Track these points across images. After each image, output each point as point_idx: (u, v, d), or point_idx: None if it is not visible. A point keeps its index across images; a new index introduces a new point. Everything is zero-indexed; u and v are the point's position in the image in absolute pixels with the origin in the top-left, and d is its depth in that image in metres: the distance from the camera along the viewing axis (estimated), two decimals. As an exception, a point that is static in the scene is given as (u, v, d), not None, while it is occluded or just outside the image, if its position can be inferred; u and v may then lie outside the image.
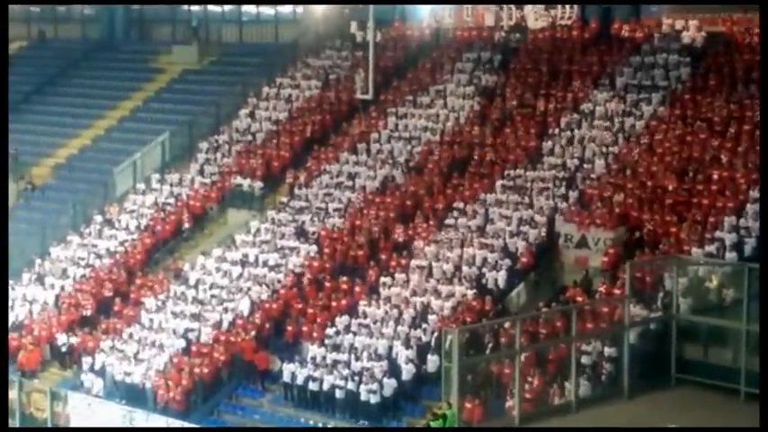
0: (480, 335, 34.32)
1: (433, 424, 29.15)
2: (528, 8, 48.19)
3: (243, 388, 39.32)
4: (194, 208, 47.58)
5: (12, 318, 44.16)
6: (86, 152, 55.72)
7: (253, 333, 39.21)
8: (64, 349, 42.61)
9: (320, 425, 36.36)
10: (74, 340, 42.38)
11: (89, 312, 43.45)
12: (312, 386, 36.90)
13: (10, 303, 44.80)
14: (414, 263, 39.56)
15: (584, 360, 33.09)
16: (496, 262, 38.22)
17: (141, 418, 38.15)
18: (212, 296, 41.66)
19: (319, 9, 53.54)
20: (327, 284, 40.27)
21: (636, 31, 46.82)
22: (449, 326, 34.22)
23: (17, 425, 40.85)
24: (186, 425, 37.26)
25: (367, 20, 45.94)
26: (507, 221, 39.76)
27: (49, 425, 40.22)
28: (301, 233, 43.31)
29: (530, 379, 32.83)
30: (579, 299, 35.62)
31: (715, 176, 38.30)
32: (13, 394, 40.90)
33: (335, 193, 44.64)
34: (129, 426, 38.25)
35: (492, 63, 48.26)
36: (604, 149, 41.55)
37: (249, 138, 50.35)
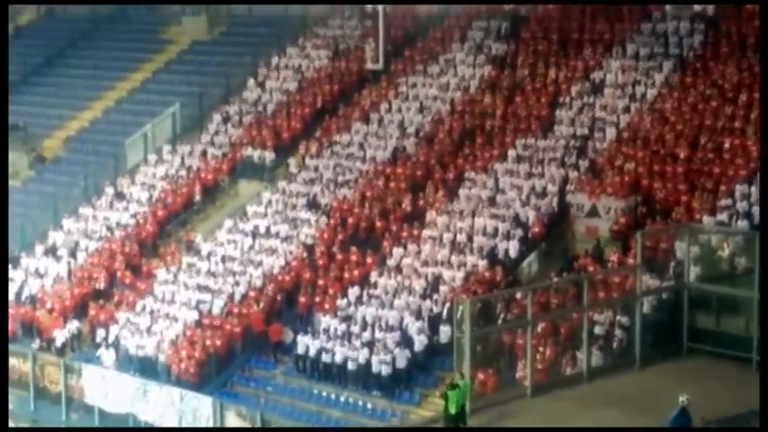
0: (492, 305, 34.34)
1: (449, 392, 29.01)
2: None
3: (256, 360, 39.45)
4: (205, 180, 47.59)
5: (26, 291, 44.35)
6: (97, 124, 55.71)
7: (264, 305, 39.31)
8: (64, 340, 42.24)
9: (333, 396, 36.49)
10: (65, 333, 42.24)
11: (102, 285, 43.58)
12: (325, 358, 36.99)
13: (23, 277, 45.00)
14: (425, 233, 39.56)
15: (596, 330, 33.10)
16: (508, 232, 38.19)
17: (155, 390, 38.32)
18: (224, 268, 41.73)
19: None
20: (339, 256, 40.29)
21: (647, -2, 46.59)
22: (460, 296, 34.26)
23: (31, 398, 41.10)
24: (201, 395, 37.47)
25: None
26: (518, 191, 39.70)
27: (63, 398, 40.44)
28: (312, 204, 43.31)
29: (541, 349, 32.84)
30: (591, 268, 35.60)
31: (726, 144, 38.17)
32: (26, 367, 41.11)
33: (346, 164, 44.58)
34: (143, 397, 38.49)
35: (502, 32, 48.06)
36: (615, 118, 41.42)
37: (259, 109, 50.28)
